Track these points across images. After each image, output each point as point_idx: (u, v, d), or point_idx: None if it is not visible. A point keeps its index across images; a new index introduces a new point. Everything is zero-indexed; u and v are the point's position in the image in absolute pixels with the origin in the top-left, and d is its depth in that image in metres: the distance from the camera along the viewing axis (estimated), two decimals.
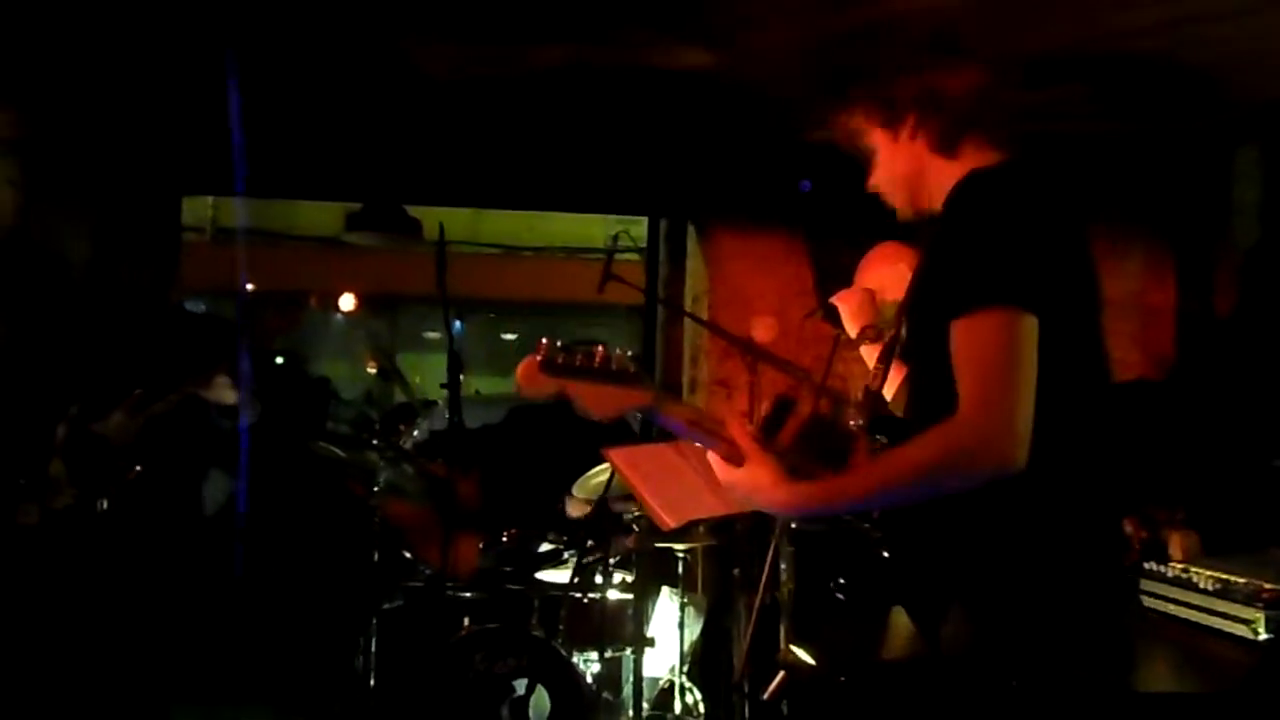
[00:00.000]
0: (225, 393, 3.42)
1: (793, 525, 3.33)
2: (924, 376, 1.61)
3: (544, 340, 1.58)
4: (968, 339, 1.46)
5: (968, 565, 1.53)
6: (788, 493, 1.59)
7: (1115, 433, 1.59)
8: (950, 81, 1.71)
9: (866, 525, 1.67)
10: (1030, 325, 1.44)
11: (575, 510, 4.03)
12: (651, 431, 5.57)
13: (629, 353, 1.61)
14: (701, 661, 3.92)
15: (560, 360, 1.57)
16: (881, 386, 1.78)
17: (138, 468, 3.40)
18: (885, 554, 1.63)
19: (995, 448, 1.41)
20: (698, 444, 1.69)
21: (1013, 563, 1.50)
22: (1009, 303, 1.44)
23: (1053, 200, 1.57)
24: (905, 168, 1.75)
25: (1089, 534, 1.52)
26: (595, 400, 1.60)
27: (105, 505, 3.46)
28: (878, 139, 1.77)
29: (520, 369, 1.58)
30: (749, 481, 1.62)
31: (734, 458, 1.64)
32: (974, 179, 1.59)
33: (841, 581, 1.72)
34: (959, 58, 1.73)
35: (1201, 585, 2.66)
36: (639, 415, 1.70)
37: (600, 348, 1.60)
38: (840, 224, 3.22)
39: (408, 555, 3.91)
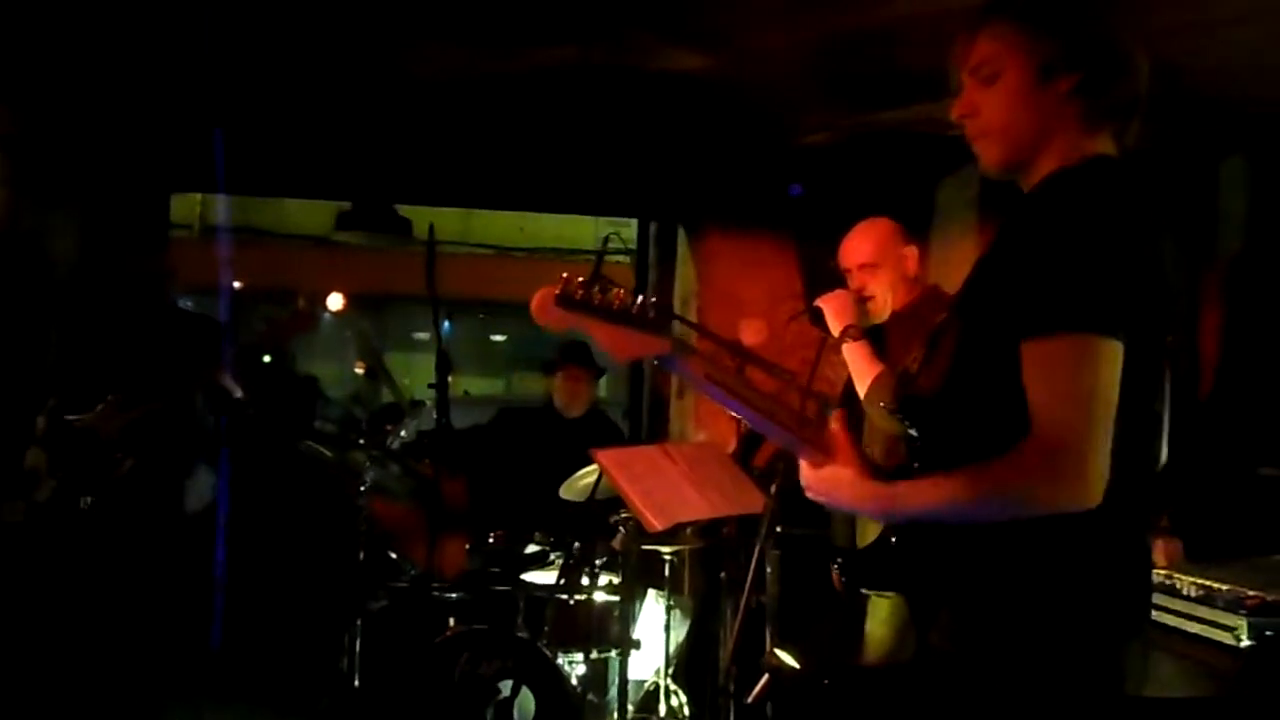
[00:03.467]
0: (231, 388, 3.43)
1: (779, 529, 3.33)
2: (970, 372, 1.51)
3: (565, 274, 1.49)
4: (1050, 363, 1.36)
5: (967, 573, 1.51)
6: (868, 490, 1.55)
7: (1149, 463, 1.55)
8: (1142, 57, 1.53)
9: None
10: (1116, 353, 1.36)
11: (621, 544, 3.87)
12: (640, 434, 5.57)
13: (653, 299, 1.53)
14: (687, 664, 3.91)
15: (579, 296, 1.48)
16: (920, 371, 1.68)
17: (129, 462, 3.38)
18: (893, 539, 1.59)
19: (1069, 484, 1.35)
20: (714, 399, 1.62)
21: (1012, 579, 1.47)
22: (1097, 330, 1.35)
23: (1143, 213, 1.46)
24: (1033, 122, 1.53)
25: (1101, 555, 1.48)
26: (611, 341, 1.51)
27: (89, 502, 3.44)
28: (1015, 76, 1.52)
29: (535, 299, 1.50)
30: (831, 477, 1.58)
31: (811, 453, 1.60)
32: (1066, 178, 1.48)
33: (840, 561, 1.69)
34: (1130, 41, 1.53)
35: (1184, 592, 2.67)
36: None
37: (621, 290, 1.52)
38: (830, 228, 3.24)
39: (393, 555, 3.91)
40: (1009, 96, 1.53)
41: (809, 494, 1.63)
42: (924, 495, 1.50)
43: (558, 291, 1.48)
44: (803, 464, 1.64)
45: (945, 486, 1.47)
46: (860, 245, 2.96)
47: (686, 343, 1.61)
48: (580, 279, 1.49)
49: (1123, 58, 1.53)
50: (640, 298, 1.51)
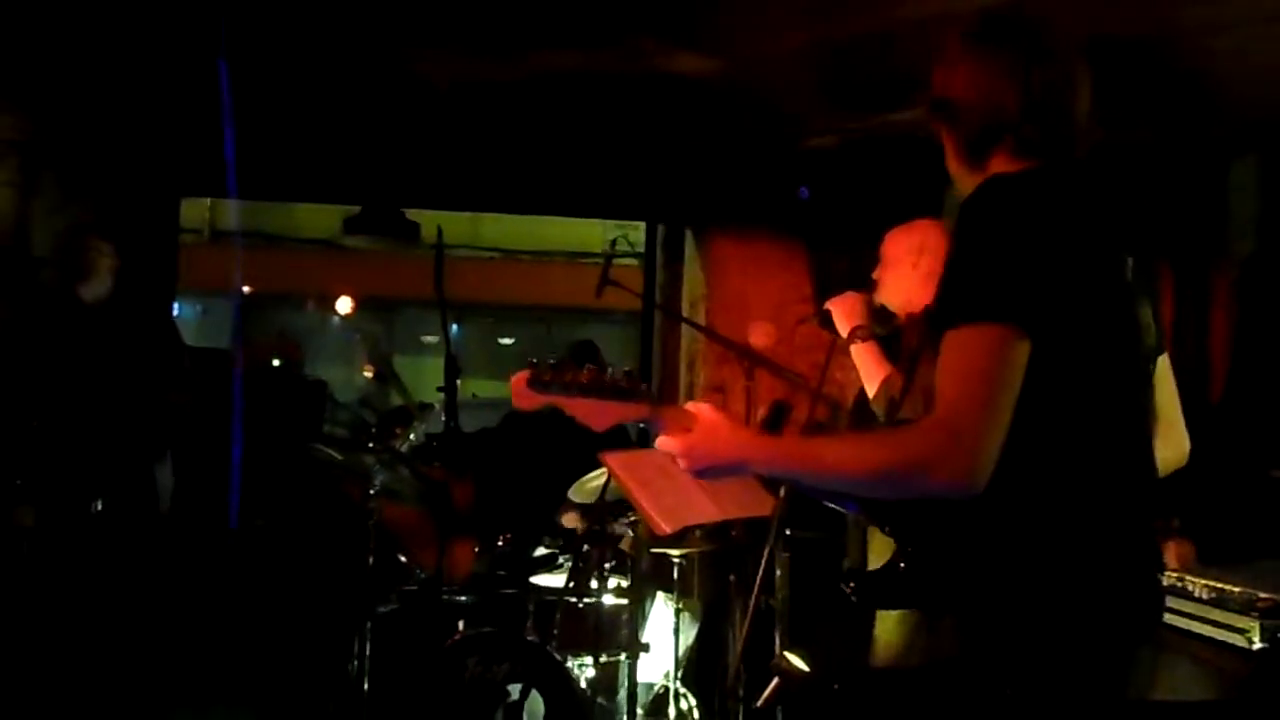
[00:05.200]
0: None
1: (788, 532, 3.33)
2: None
3: (533, 360, 1.60)
4: (954, 350, 1.40)
5: (968, 582, 1.50)
6: (748, 438, 1.58)
7: (1144, 460, 1.55)
8: (967, 89, 1.60)
9: (886, 529, 1.63)
10: (1021, 349, 1.38)
11: (570, 522, 4.03)
12: (649, 437, 5.57)
13: (625, 369, 1.62)
14: (696, 667, 3.91)
15: (548, 378, 1.59)
16: (902, 395, 1.74)
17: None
18: (901, 563, 1.59)
19: (954, 467, 1.36)
20: None
21: (1013, 586, 1.46)
22: (1004, 321, 1.38)
23: (1076, 214, 1.49)
24: (948, 164, 1.68)
25: (1100, 561, 1.48)
26: (589, 414, 1.62)
27: (100, 506, 3.46)
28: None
29: (512, 384, 1.60)
30: (705, 431, 1.58)
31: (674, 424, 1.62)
32: (992, 184, 1.52)
33: (853, 584, 1.67)
34: (985, 64, 1.58)
35: (1196, 594, 2.66)
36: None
37: (591, 366, 1.62)
38: (838, 230, 3.24)
39: (402, 559, 3.91)
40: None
41: (687, 464, 1.61)
42: (810, 453, 1.53)
43: (528, 377, 1.58)
44: (670, 437, 1.62)
45: (839, 450, 1.51)
46: (903, 237, 2.90)
47: (661, 401, 1.68)
48: (550, 362, 1.60)
49: (947, 95, 1.62)
50: (610, 369, 1.62)
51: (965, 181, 1.63)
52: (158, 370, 3.68)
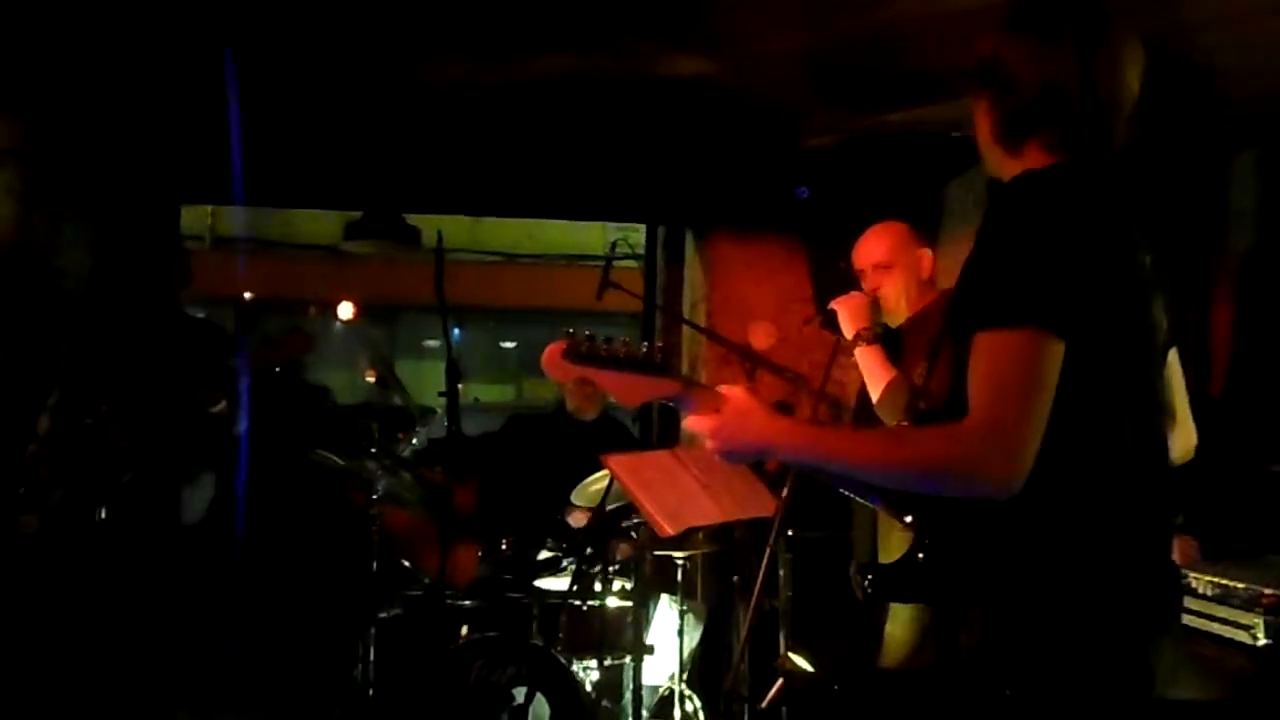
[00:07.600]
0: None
1: (790, 533, 3.33)
2: (960, 378, 1.52)
3: (571, 330, 1.58)
4: (990, 353, 1.39)
5: (995, 577, 1.50)
6: (782, 423, 1.55)
7: (1160, 456, 1.54)
8: (1022, 61, 1.53)
9: (907, 520, 1.62)
10: (1056, 351, 1.38)
11: (576, 520, 4.03)
12: (651, 438, 5.57)
13: (659, 345, 1.62)
14: (701, 669, 3.91)
15: (584, 349, 1.58)
16: (925, 383, 1.72)
17: (128, 475, 3.42)
18: (920, 554, 1.58)
19: (994, 468, 1.36)
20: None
21: (1038, 581, 1.46)
22: (1039, 324, 1.37)
23: (1105, 214, 1.47)
24: (981, 140, 1.62)
25: (1124, 561, 1.48)
26: (621, 388, 1.60)
27: (104, 514, 3.46)
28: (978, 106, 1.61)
29: (545, 354, 1.59)
30: (736, 412, 1.57)
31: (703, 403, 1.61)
32: (1026, 180, 1.50)
33: (870, 577, 1.67)
34: (1044, 37, 1.52)
35: (1200, 591, 2.66)
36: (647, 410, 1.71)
37: (625, 339, 1.61)
38: (838, 230, 3.24)
39: (406, 564, 3.91)
40: (977, 122, 1.63)
41: (714, 443, 1.59)
42: (846, 444, 1.52)
43: (564, 347, 1.57)
44: (699, 416, 1.61)
45: (873, 443, 1.50)
46: (875, 245, 2.95)
47: (694, 380, 1.67)
48: (586, 333, 1.58)
49: (1006, 64, 1.54)
50: (645, 344, 1.61)
51: (995, 160, 1.61)
52: (198, 377, 3.67)
